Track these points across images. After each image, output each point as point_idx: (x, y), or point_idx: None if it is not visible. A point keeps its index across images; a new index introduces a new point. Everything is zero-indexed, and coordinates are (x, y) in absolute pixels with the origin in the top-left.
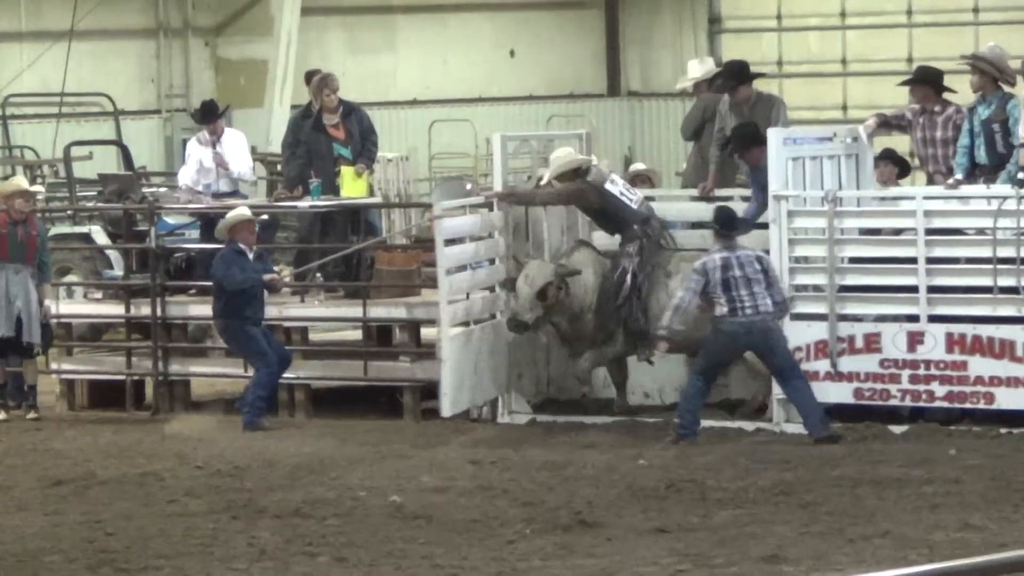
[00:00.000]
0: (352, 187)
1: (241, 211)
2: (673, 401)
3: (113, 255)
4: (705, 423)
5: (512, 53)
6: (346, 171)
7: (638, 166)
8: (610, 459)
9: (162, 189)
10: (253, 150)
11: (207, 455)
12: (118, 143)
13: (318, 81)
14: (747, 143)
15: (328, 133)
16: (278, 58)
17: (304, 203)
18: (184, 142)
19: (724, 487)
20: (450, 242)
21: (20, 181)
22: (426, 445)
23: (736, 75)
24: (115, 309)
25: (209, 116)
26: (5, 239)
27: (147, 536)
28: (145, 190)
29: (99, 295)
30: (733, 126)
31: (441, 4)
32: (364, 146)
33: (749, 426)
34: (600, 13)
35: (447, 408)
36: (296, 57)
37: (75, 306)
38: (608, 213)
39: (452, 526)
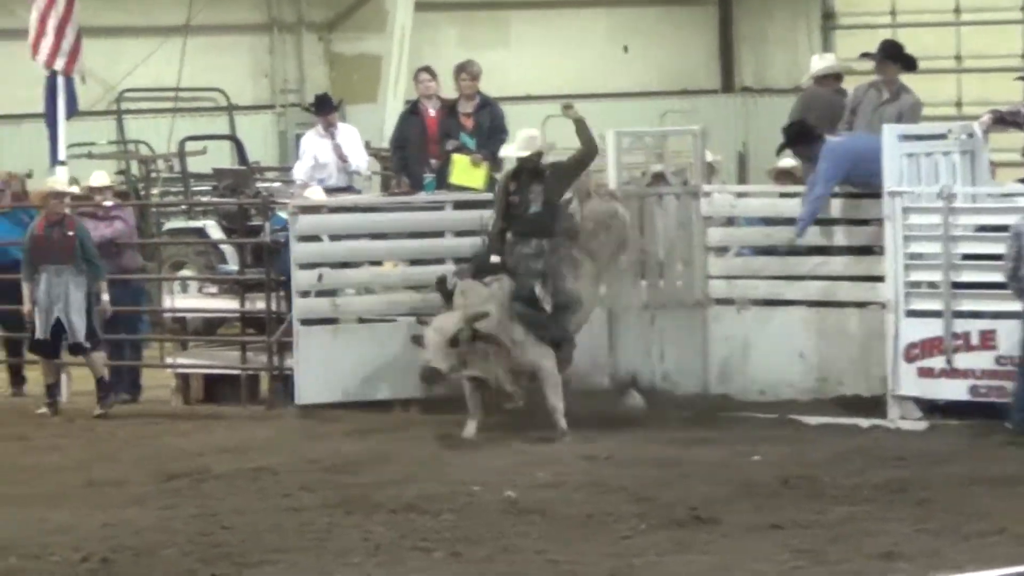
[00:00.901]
0: (464, 175)
1: (314, 192)
2: (788, 398)
3: (227, 250)
4: (821, 419)
5: (625, 49)
6: (459, 158)
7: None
8: (724, 455)
9: (276, 184)
10: (367, 145)
11: (322, 450)
12: (232, 138)
13: (457, 66)
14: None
15: (459, 120)
16: (391, 53)
17: (419, 197)
18: (298, 137)
19: (839, 484)
20: (306, 239)
21: (53, 182)
22: (539, 440)
23: (892, 51)
24: (229, 304)
25: (324, 108)
26: (44, 241)
27: (261, 530)
28: (259, 185)
29: (214, 290)
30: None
31: (555, 0)
32: (491, 139)
33: (864, 423)
34: (714, 9)
35: (297, 397)
36: (409, 52)
37: (190, 301)
38: (553, 207)
39: (566, 522)
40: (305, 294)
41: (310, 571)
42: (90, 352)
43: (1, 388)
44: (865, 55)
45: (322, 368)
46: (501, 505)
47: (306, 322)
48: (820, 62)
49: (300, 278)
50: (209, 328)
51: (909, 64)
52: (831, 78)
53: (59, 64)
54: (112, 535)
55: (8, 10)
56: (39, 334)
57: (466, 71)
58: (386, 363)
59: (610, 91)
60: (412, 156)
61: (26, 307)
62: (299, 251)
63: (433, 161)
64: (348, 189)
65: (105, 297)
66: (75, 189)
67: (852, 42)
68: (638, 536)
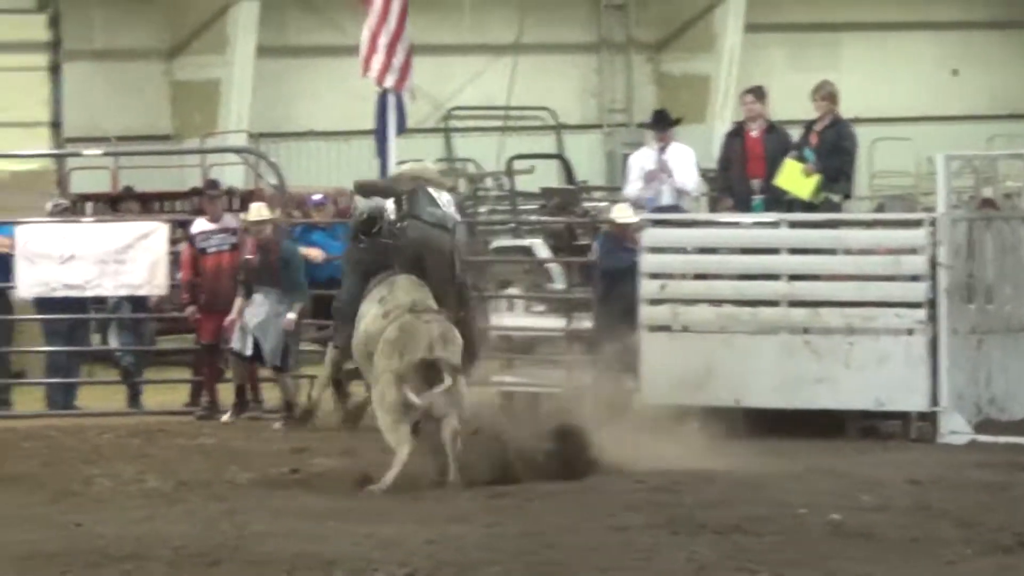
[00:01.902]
0: (791, 181)
1: (621, 210)
2: None
3: (554, 269)
4: None
5: (955, 72)
6: (791, 163)
7: None
8: None
9: (603, 204)
10: None
11: (647, 469)
12: (560, 157)
13: (814, 87)
14: None
15: (809, 137)
16: (720, 74)
17: (745, 218)
18: (625, 157)
19: None
20: (656, 251)
21: (257, 208)
22: (864, 464)
23: None
24: (556, 322)
25: (661, 124)
26: (252, 264)
27: (586, 549)
28: (587, 204)
29: (541, 308)
30: None
31: (885, 22)
32: (831, 156)
33: None
34: None
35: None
36: (738, 74)
37: (516, 319)
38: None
39: (891, 545)
40: (651, 303)
41: None
42: (281, 374)
43: (329, 405)
44: None
45: (665, 373)
46: (826, 528)
47: (652, 328)
48: None
49: (647, 287)
50: (529, 346)
51: None
52: None
53: (389, 81)
54: (437, 551)
55: (339, 28)
56: (239, 349)
57: (820, 91)
58: (706, 371)
59: (938, 114)
60: (735, 177)
61: (230, 317)
62: (648, 262)
63: (756, 181)
64: (675, 208)
65: (291, 315)
66: (271, 216)
67: None
68: (963, 561)
